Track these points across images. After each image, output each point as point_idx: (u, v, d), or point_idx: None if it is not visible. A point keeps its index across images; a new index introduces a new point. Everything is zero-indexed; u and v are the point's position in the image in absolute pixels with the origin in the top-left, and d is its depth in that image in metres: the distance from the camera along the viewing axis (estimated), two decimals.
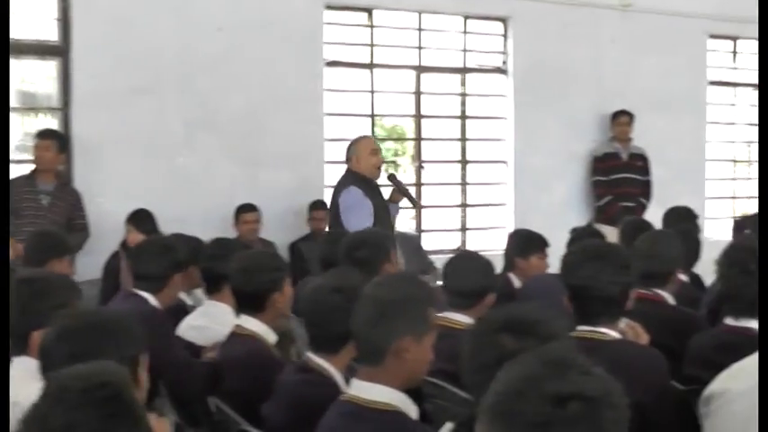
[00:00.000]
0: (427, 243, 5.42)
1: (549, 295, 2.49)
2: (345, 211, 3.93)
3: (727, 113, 6.73)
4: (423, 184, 5.55)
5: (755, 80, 6.80)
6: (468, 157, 5.68)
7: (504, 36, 5.69)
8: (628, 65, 6.05)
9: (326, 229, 4.39)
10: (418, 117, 5.52)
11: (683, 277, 3.03)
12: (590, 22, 5.90)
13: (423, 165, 5.54)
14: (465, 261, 2.71)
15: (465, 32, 5.57)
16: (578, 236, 3.52)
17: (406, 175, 5.85)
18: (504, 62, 5.70)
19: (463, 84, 5.60)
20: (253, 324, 2.40)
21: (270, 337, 2.41)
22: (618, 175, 5.75)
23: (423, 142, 5.56)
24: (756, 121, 6.80)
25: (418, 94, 5.46)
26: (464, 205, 5.66)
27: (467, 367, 1.45)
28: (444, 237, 5.71)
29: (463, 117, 5.64)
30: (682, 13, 6.15)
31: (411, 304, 1.73)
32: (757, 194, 4.05)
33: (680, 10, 6.14)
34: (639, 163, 5.82)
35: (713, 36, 6.46)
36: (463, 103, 5.63)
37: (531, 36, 5.70)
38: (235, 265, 2.47)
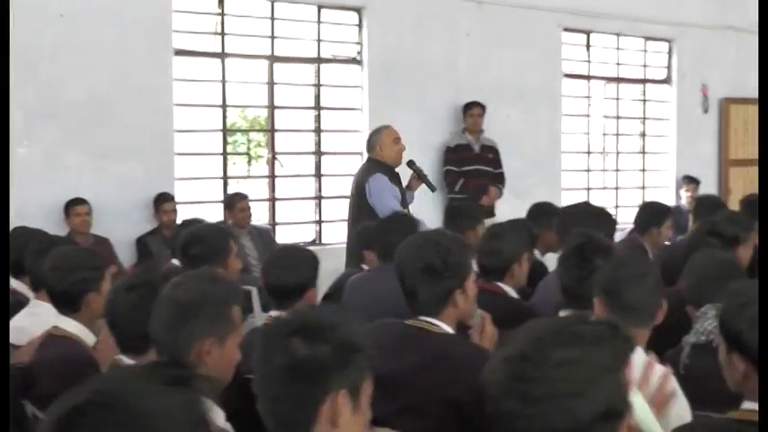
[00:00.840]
0: (281, 236, 6.08)
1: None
2: (375, 196, 4.70)
3: (581, 105, 7.77)
4: (277, 176, 6.19)
5: (608, 73, 7.91)
6: (323, 149, 6.37)
7: (359, 26, 6.39)
8: (483, 57, 6.91)
9: (349, 218, 4.97)
10: (272, 108, 6.14)
11: None
12: (445, 14, 6.69)
13: (277, 156, 6.18)
14: (284, 256, 2.86)
15: (319, 22, 6.22)
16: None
17: (261, 167, 6.47)
18: (359, 53, 6.41)
19: (318, 74, 6.27)
20: (70, 325, 2.50)
21: (89, 338, 2.50)
22: (470, 167, 6.55)
23: (276, 133, 6.20)
24: (613, 114, 7.93)
25: (271, 84, 6.08)
26: (319, 197, 6.35)
27: (256, 373, 1.47)
28: (299, 229, 6.38)
29: (318, 108, 6.32)
30: (536, 7, 7.08)
31: (210, 304, 1.82)
32: (757, 194, 4.82)
33: (534, 3, 7.07)
34: (491, 155, 6.67)
35: (567, 29, 7.44)
36: (318, 94, 6.31)
37: (386, 27, 6.43)
38: (48, 264, 2.56)
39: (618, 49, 7.86)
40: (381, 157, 4.93)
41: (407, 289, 2.30)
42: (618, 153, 8.06)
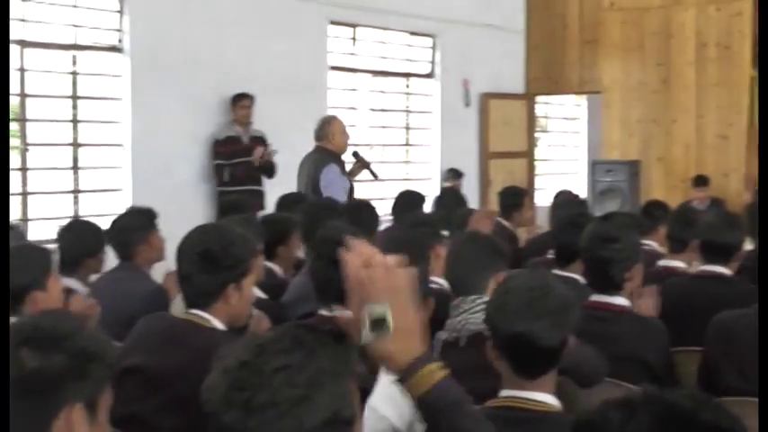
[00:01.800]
0: (34, 233, 6.41)
1: None
2: (327, 188, 5.52)
3: (347, 98, 8.76)
4: (28, 169, 6.52)
5: (374, 66, 8.97)
6: (81, 140, 6.78)
7: (120, 12, 6.86)
8: (251, 47, 7.63)
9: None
10: (23, 96, 6.45)
11: None
12: (213, 2, 7.34)
13: (28, 147, 6.50)
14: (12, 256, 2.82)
15: (75, 6, 6.61)
16: None
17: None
18: (120, 40, 6.88)
19: (74, 62, 6.66)
20: None
21: None
22: (239, 159, 7.29)
23: (28, 123, 6.52)
24: (379, 107, 9.00)
25: (22, 71, 6.38)
26: (76, 191, 6.76)
27: None
28: (54, 225, 6.72)
29: (74, 97, 6.72)
30: None
31: None
32: (758, 193, 5.59)
33: None
34: (260, 147, 7.43)
35: (334, 22, 8.37)
36: (74, 83, 6.70)
37: (149, 13, 6.93)
38: None
39: (383, 43, 8.92)
40: (332, 147, 5.98)
41: (182, 274, 2.49)
42: (383, 146, 9.16)
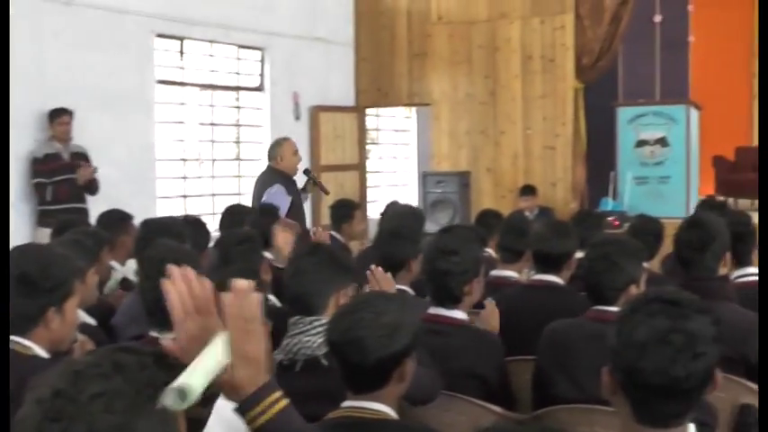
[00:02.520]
0: None
1: None
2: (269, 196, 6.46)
3: (175, 112, 9.25)
4: None
5: (202, 80, 9.51)
6: None
7: None
8: (72, 61, 8.00)
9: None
10: None
11: None
12: (30, 14, 7.66)
13: None
14: None
15: None
16: None
17: None
18: None
19: None
20: None
21: None
22: (61, 177, 7.63)
23: None
24: (208, 121, 9.53)
25: None
26: None
27: None
28: None
29: None
30: (128, 11, 8.40)
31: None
32: (758, 193, 5.93)
33: (126, 7, 8.37)
34: (82, 162, 7.79)
35: (160, 35, 8.87)
36: None
37: None
38: None
39: (211, 56, 9.49)
40: (281, 167, 6.92)
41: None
42: (213, 160, 9.70)
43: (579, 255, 4.68)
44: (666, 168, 10.12)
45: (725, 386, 3.11)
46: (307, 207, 7.77)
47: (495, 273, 4.66)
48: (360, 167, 11.52)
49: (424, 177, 10.77)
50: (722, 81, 13.51)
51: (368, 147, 12.13)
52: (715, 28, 13.11)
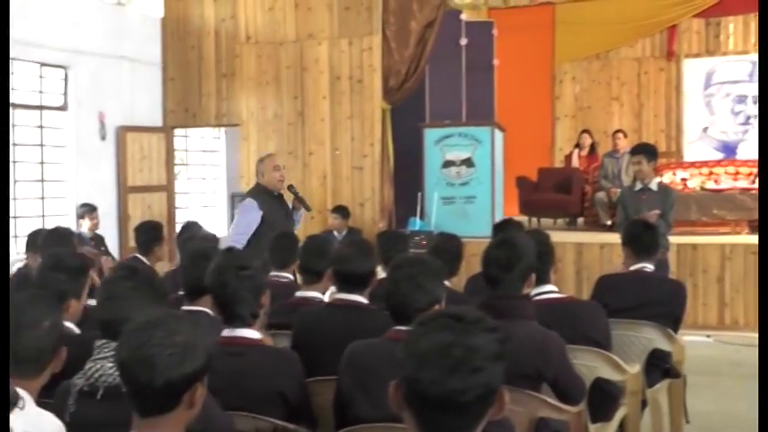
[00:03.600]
0: None
1: None
2: (234, 221, 7.56)
3: None
4: None
5: None
6: None
7: None
8: None
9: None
10: None
11: None
12: None
13: None
14: None
15: None
16: None
17: None
18: None
19: None
20: None
21: None
22: None
23: None
24: (10, 141, 10.52)
25: None
26: None
27: None
28: None
29: None
30: None
31: None
32: (758, 194, 6.76)
33: None
34: None
35: None
36: None
37: None
38: None
39: (12, 74, 10.51)
40: (263, 182, 7.79)
41: None
42: (15, 181, 10.70)
43: (383, 275, 5.25)
44: (472, 188, 11.60)
45: (522, 401, 3.77)
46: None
47: (299, 294, 5.10)
48: (168, 188, 12.67)
49: (233, 198, 11.90)
50: (525, 104, 15.56)
51: (176, 167, 13.29)
52: (518, 52, 15.13)
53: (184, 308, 4.33)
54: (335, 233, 11.04)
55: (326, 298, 5.18)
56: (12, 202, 10.66)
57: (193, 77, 12.58)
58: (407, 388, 2.00)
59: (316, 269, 5.05)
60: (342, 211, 11.32)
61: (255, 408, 3.36)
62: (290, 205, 8.18)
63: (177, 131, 13.11)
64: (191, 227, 7.79)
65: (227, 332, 3.63)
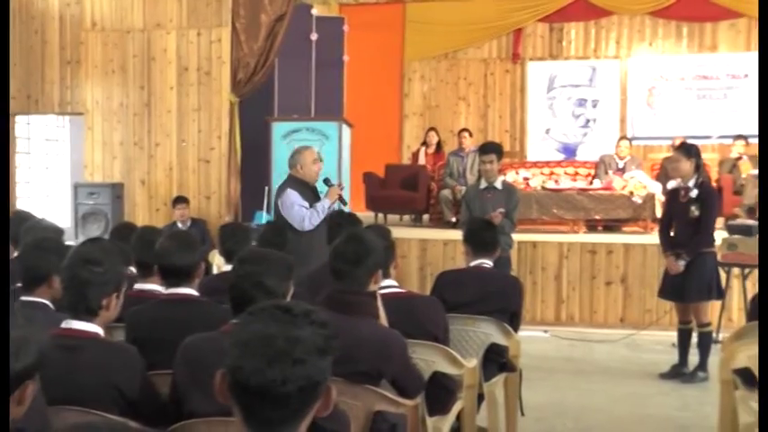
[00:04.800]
0: None
1: None
2: (286, 210, 7.56)
3: None
4: None
5: None
6: None
7: None
8: None
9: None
10: None
11: None
12: None
13: None
14: None
15: None
16: None
17: None
18: None
19: None
20: None
21: None
22: None
23: None
24: None
25: None
26: None
27: None
28: None
29: None
30: None
31: None
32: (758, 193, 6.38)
33: None
34: None
35: None
36: None
37: None
38: None
39: None
40: (301, 175, 7.73)
41: None
42: None
43: (227, 267, 5.34)
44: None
45: (359, 395, 3.86)
46: None
47: (137, 287, 5.05)
48: (8, 177, 12.20)
49: (76, 188, 11.61)
50: (374, 101, 15.69)
51: (18, 156, 12.82)
52: (368, 49, 15.24)
53: (22, 298, 4.22)
54: (179, 224, 10.92)
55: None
56: None
57: (36, 63, 12.20)
58: (231, 377, 1.99)
59: (147, 262, 4.97)
60: (183, 200, 11.26)
61: (89, 402, 3.27)
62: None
63: (19, 118, 12.65)
64: (25, 217, 7.52)
65: (64, 324, 3.54)
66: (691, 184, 7.99)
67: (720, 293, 8.25)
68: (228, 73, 11.75)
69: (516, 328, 5.89)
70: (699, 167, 8.09)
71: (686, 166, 8.02)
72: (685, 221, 7.97)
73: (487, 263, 5.94)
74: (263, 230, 6.51)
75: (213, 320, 3.75)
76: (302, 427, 2.03)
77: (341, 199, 7.95)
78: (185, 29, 11.81)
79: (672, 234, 8.19)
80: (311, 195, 7.86)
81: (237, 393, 1.99)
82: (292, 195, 7.66)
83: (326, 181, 8.12)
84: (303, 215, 7.61)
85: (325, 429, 3.23)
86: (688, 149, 8.11)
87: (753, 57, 15.34)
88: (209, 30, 11.78)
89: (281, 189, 7.84)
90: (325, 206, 7.72)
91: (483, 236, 5.99)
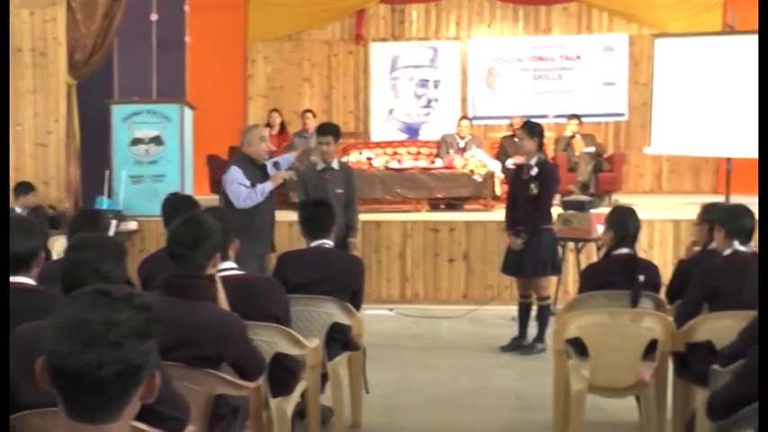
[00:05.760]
0: None
1: None
2: (227, 188, 7.88)
3: None
4: None
5: None
6: None
7: None
8: None
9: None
10: None
11: None
12: None
13: None
14: None
15: None
16: None
17: None
18: None
19: None
20: None
21: None
22: None
23: None
24: None
25: None
26: None
27: None
28: None
29: None
30: None
31: None
32: (759, 193, 5.98)
33: None
34: None
35: None
36: None
37: None
38: None
39: None
40: (249, 152, 7.94)
41: None
42: None
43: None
44: (161, 167, 11.47)
45: (199, 379, 3.85)
46: None
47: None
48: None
49: None
50: (217, 82, 15.49)
51: None
52: (210, 30, 15.02)
53: None
54: (18, 209, 10.53)
55: None
56: None
57: None
58: (48, 362, 1.94)
59: None
60: (27, 187, 10.78)
61: None
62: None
63: None
64: None
65: None
66: (533, 162, 8.19)
67: (557, 269, 8.49)
68: (65, 54, 11.40)
69: (358, 307, 5.95)
70: (541, 146, 8.31)
71: (529, 144, 8.24)
72: (526, 199, 8.19)
73: (328, 243, 5.97)
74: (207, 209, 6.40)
75: (48, 309, 3.57)
76: (125, 414, 1.97)
77: (285, 180, 8.27)
78: (18, 8, 11.31)
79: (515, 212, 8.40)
80: (258, 174, 7.99)
81: (55, 379, 1.93)
82: (235, 172, 7.88)
83: (276, 164, 8.22)
84: (240, 193, 7.82)
85: (164, 415, 3.27)
86: (531, 128, 8.33)
87: (584, 39, 15.96)
88: (44, 9, 11.38)
89: (228, 165, 8.19)
90: (265, 189, 7.92)
91: (317, 217, 6.03)
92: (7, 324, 2.66)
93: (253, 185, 7.89)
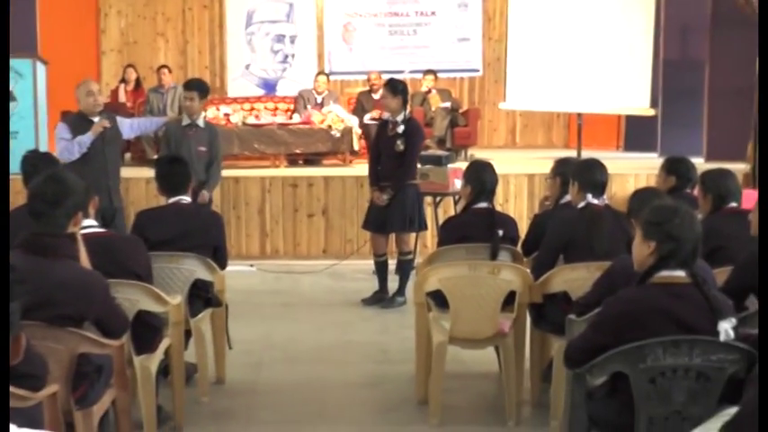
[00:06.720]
0: None
1: None
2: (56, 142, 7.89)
3: None
4: None
5: None
6: None
7: None
8: None
9: None
10: None
11: None
12: None
13: None
14: None
15: None
16: None
17: None
18: None
19: None
20: None
21: None
22: None
23: None
24: None
25: None
26: None
27: None
28: None
29: None
30: None
31: None
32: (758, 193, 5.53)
33: None
34: None
35: None
36: None
37: None
38: None
39: None
40: (80, 107, 7.85)
41: None
42: None
43: None
44: (15, 124, 10.91)
45: (61, 338, 3.83)
46: None
47: None
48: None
49: None
50: (69, 36, 14.99)
51: None
52: None
53: None
54: None
55: None
56: None
57: None
58: None
59: None
60: None
61: None
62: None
63: None
64: None
65: None
66: (399, 119, 8.26)
67: (423, 224, 8.59)
68: None
69: (224, 263, 5.93)
70: (405, 103, 8.37)
71: (393, 102, 8.30)
72: (391, 155, 8.25)
73: (185, 199, 5.91)
74: None
75: None
76: None
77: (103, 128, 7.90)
78: None
79: (379, 167, 8.44)
80: (89, 128, 7.84)
81: None
82: (60, 128, 7.93)
83: (110, 117, 8.08)
84: (60, 147, 7.77)
85: (21, 374, 3.21)
86: (394, 87, 8.38)
87: None
88: None
89: (59, 121, 8.17)
90: (84, 140, 7.76)
91: (171, 174, 5.96)
92: (7, 324, 2.57)
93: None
